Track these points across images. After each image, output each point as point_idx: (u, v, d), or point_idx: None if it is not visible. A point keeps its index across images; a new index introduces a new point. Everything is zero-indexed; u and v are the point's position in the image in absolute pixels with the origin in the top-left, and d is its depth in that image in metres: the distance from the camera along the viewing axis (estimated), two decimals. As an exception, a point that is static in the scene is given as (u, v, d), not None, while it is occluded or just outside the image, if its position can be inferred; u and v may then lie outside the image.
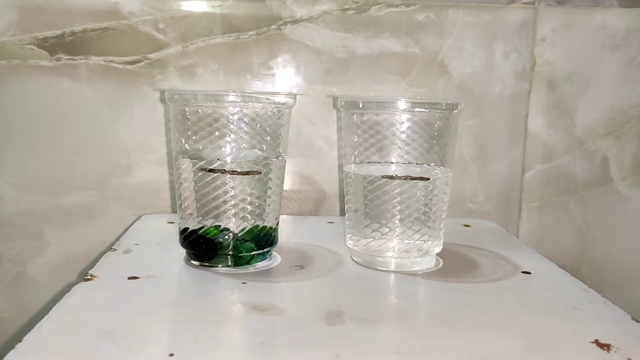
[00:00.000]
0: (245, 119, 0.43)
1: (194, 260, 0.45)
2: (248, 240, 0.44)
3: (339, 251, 0.49)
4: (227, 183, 0.43)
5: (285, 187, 0.62)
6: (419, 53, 0.62)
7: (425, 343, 0.32)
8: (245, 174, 0.43)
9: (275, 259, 0.47)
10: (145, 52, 0.60)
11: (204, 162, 0.43)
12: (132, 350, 0.30)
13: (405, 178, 0.43)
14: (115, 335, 0.31)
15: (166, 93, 0.45)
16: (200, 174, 0.43)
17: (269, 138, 0.44)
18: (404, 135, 0.44)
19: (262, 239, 0.45)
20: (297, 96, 0.47)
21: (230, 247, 0.44)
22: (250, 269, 0.44)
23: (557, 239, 0.67)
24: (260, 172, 0.44)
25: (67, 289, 0.38)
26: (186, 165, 0.44)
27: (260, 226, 0.45)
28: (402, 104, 0.44)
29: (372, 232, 0.45)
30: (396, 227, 0.44)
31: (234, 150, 0.43)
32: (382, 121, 0.45)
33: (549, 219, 0.67)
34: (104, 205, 0.63)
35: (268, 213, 0.45)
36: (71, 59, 0.60)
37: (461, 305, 0.38)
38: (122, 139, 0.62)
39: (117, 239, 0.51)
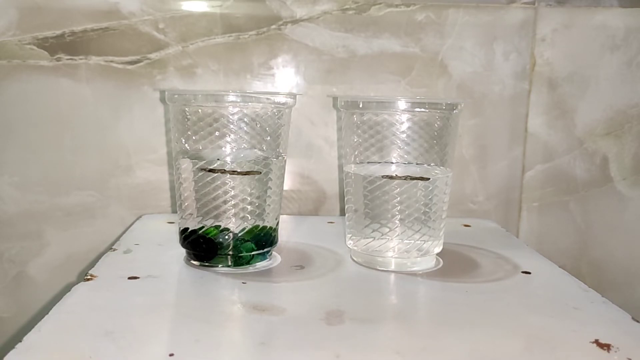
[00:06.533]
0: (245, 119, 0.43)
1: (194, 260, 0.45)
2: (248, 240, 0.44)
3: (339, 251, 0.49)
4: (227, 183, 0.43)
5: (285, 187, 0.62)
6: (419, 53, 0.62)
7: (425, 343, 0.32)
8: (245, 174, 0.43)
9: (275, 259, 0.47)
10: (145, 52, 0.60)
11: (204, 162, 0.43)
12: (132, 350, 0.30)
13: (405, 178, 0.43)
14: (115, 335, 0.31)
15: (166, 93, 0.45)
16: (200, 174, 0.43)
17: (269, 138, 0.44)
18: (404, 135, 0.44)
19: (262, 239, 0.45)
20: (297, 96, 0.47)
21: (230, 247, 0.44)
22: (250, 269, 0.44)
23: (557, 239, 0.67)
24: (260, 172, 0.44)
25: (67, 289, 0.38)
26: (186, 165, 0.44)
27: (260, 226, 0.45)
28: (402, 104, 0.44)
29: (372, 232, 0.45)
30: (396, 227, 0.44)
31: (234, 150, 0.43)
32: (382, 121, 0.45)
33: (549, 219, 0.67)
34: (104, 205, 0.63)
35: (268, 213, 0.45)
36: (71, 59, 0.60)
37: (461, 305, 0.38)
38: (122, 139, 0.62)
39: (117, 239, 0.51)
